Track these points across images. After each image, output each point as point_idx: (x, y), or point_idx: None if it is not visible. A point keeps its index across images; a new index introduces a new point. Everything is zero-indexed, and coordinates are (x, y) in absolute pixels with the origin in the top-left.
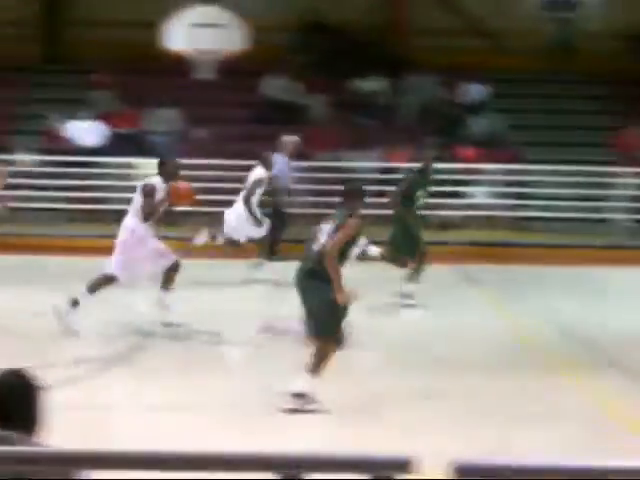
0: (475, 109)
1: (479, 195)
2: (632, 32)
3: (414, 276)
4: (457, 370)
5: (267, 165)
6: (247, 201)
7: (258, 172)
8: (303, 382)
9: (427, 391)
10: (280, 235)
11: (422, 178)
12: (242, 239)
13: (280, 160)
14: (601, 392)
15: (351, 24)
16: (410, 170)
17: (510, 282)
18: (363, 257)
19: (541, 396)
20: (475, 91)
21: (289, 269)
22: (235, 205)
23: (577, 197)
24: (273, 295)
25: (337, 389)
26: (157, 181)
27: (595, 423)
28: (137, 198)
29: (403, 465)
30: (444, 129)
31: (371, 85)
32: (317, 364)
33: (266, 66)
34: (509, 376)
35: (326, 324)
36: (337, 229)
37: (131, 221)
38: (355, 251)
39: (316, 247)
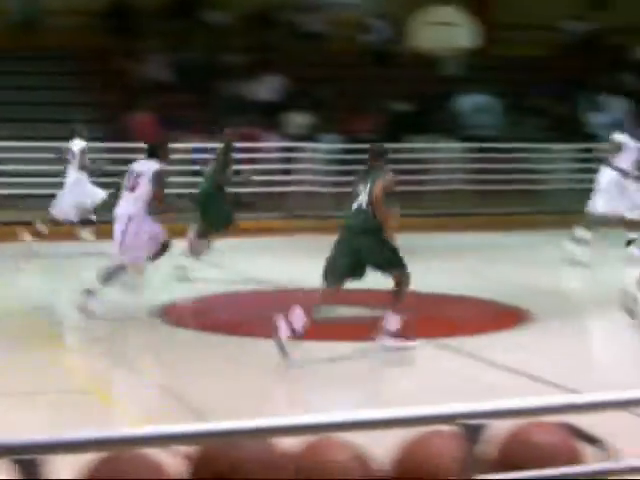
0: None
1: None
2: (93, 8)
3: None
4: None
5: (82, 135)
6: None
7: (79, 143)
8: (393, 321)
9: None
10: None
11: None
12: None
13: None
14: (75, 366)
15: None
16: None
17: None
18: None
19: (22, 371)
20: None
21: None
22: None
23: (45, 173)
24: None
25: None
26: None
27: (71, 398)
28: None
29: None
30: None
31: None
32: (399, 299)
33: None
34: None
35: (396, 260)
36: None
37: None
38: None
39: (361, 204)
